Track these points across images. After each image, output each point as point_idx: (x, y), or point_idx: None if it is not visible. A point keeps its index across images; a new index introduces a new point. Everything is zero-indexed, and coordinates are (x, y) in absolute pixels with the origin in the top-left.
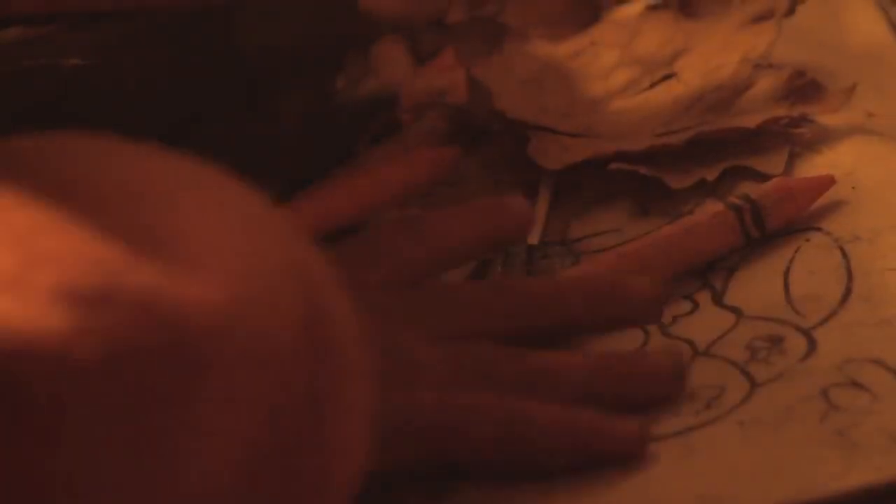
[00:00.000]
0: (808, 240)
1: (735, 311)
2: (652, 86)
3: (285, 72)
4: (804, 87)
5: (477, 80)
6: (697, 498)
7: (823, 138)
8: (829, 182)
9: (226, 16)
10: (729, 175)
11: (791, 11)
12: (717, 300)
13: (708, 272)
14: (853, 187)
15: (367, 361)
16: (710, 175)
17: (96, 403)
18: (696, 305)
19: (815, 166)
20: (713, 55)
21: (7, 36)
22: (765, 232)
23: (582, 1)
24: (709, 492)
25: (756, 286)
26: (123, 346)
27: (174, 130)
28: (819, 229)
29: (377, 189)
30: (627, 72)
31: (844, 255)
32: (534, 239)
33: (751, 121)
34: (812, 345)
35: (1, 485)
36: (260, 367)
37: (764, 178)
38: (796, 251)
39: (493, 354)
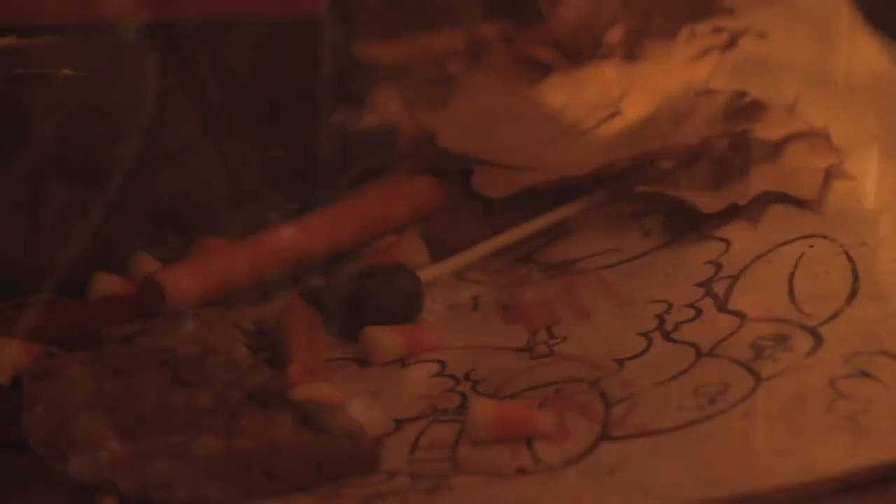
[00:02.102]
0: (812, 246)
1: (739, 314)
2: (598, 125)
3: (282, 98)
4: (746, 107)
5: (421, 124)
6: (699, 480)
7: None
8: None
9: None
10: (761, 197)
11: (732, 46)
12: (721, 307)
13: (710, 281)
14: (858, 200)
15: None
16: (743, 200)
17: None
18: (699, 312)
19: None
20: (656, 90)
21: (1, 44)
22: None
23: (532, 62)
24: (710, 474)
25: (760, 291)
26: None
27: (166, 149)
28: (824, 237)
29: (378, 213)
30: (573, 113)
31: (850, 259)
32: None
33: (692, 138)
34: (818, 341)
35: None
36: None
37: (798, 203)
38: (800, 257)
39: None
